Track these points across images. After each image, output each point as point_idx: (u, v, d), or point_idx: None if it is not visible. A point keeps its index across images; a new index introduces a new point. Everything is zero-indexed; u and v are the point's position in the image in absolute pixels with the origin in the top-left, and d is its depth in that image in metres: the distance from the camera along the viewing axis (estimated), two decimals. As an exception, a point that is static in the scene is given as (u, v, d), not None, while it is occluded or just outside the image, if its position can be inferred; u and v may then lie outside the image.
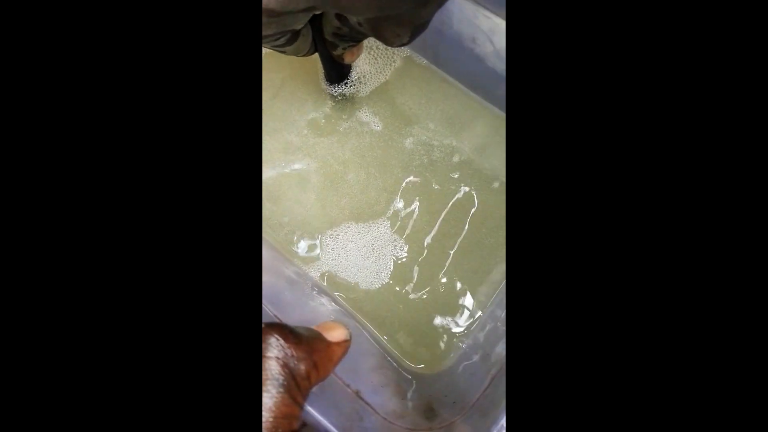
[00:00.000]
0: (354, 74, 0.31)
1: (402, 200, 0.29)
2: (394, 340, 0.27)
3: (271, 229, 0.29)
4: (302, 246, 0.29)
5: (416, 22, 0.20)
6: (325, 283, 0.28)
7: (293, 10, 0.18)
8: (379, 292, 0.28)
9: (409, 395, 0.24)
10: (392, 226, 0.29)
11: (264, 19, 0.18)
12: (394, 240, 0.29)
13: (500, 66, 0.26)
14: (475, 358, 0.25)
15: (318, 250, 0.29)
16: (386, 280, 0.28)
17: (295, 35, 0.22)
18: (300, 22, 0.20)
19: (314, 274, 0.28)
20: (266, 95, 0.32)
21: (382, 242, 0.29)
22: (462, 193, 0.29)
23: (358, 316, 0.28)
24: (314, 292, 0.28)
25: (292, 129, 0.31)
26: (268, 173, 0.30)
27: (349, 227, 0.29)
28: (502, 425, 0.16)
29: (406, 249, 0.29)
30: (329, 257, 0.28)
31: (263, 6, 0.17)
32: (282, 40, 0.21)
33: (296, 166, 0.30)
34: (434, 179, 0.30)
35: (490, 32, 0.24)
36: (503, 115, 0.29)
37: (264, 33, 0.19)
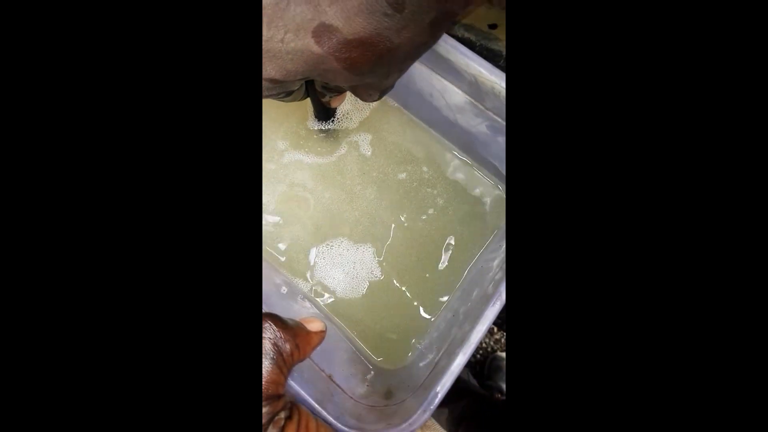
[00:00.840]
0: (339, 112, 0.36)
1: (382, 225, 0.35)
2: (363, 339, 0.32)
3: (266, 243, 0.34)
4: (293, 256, 0.34)
5: (383, 87, 0.26)
6: (309, 291, 0.33)
7: (292, 80, 0.23)
8: (353, 301, 0.33)
9: (372, 382, 0.29)
10: (374, 248, 0.34)
11: (267, 85, 0.23)
12: (372, 262, 0.34)
13: (452, 116, 0.32)
14: (429, 356, 0.31)
15: (308, 262, 0.34)
16: (362, 293, 0.33)
17: (291, 91, 0.28)
18: (297, 85, 0.25)
19: (302, 285, 0.33)
20: (269, 130, 0.37)
21: (363, 263, 0.34)
22: (433, 225, 0.35)
23: (335, 318, 0.33)
24: (299, 297, 0.33)
25: (288, 156, 0.36)
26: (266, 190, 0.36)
27: (341, 242, 0.34)
28: (436, 393, 0.21)
29: (380, 270, 0.34)
30: (318, 269, 0.34)
31: (267, 76, 0.22)
32: (282, 95, 0.27)
33: (287, 186, 0.36)
34: (411, 207, 0.35)
35: (443, 90, 0.30)
36: (459, 152, 0.35)
37: (266, 95, 0.25)
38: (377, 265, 0.34)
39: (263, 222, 0.35)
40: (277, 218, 0.35)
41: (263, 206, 0.35)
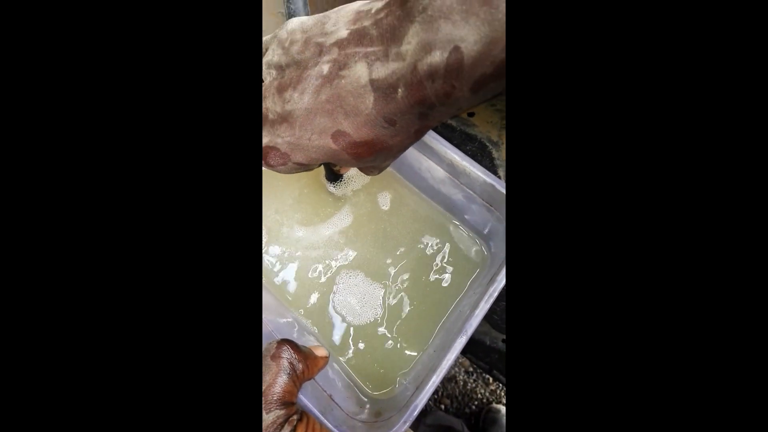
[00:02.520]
0: (345, 176, 0.44)
1: (376, 270, 0.42)
2: (356, 372, 0.38)
3: (270, 280, 0.41)
4: (299, 294, 0.40)
5: (381, 167, 0.33)
6: (315, 329, 0.39)
7: (314, 164, 0.28)
8: (350, 340, 0.39)
9: (364, 405, 0.34)
10: (384, 288, 0.40)
11: (295, 167, 0.27)
12: (369, 305, 0.40)
13: (436, 185, 0.39)
14: (412, 386, 0.36)
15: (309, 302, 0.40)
16: (358, 333, 0.39)
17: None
18: (317, 166, 0.29)
19: (306, 322, 0.39)
20: (292, 190, 0.45)
21: (369, 298, 0.40)
22: (421, 271, 0.41)
23: (333, 353, 0.39)
24: (304, 332, 0.39)
25: (307, 205, 0.44)
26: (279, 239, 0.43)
27: (340, 286, 0.41)
28: (416, 405, 0.27)
29: (374, 314, 0.39)
30: (318, 309, 0.40)
31: (295, 161, 0.26)
32: (301, 170, 0.34)
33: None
34: (403, 253, 0.41)
35: (428, 167, 0.38)
36: (444, 210, 0.42)
37: (293, 171, 0.29)
38: (376, 308, 0.40)
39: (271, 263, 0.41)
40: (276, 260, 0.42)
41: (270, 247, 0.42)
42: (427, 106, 0.22)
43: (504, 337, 0.61)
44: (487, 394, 1.21)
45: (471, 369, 1.27)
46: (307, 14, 0.31)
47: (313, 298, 0.41)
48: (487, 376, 1.20)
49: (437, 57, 0.20)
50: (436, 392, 1.18)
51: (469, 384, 1.25)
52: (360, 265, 0.42)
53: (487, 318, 0.59)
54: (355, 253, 0.42)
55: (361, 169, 0.33)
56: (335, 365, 0.38)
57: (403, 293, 0.40)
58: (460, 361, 1.23)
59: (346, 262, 0.42)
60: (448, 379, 1.21)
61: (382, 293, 0.40)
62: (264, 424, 0.24)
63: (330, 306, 0.40)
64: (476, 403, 1.18)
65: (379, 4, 0.23)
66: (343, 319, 0.40)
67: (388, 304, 0.40)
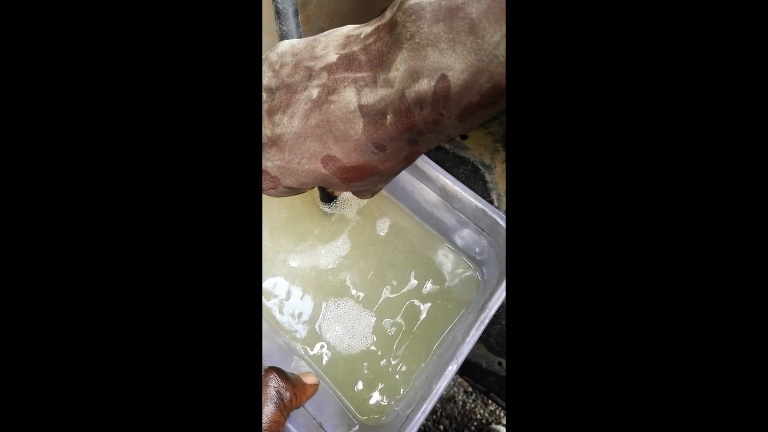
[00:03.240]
0: (339, 199, 0.44)
1: (371, 295, 0.41)
2: (348, 399, 0.37)
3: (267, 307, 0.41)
4: (290, 320, 0.40)
5: (373, 191, 0.33)
6: (306, 354, 0.39)
7: (304, 189, 0.28)
8: (342, 365, 0.38)
9: (356, 430, 0.34)
10: (366, 317, 0.40)
11: (285, 190, 0.28)
12: (361, 331, 0.39)
13: (429, 208, 0.39)
14: (405, 413, 0.36)
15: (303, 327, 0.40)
16: (351, 358, 0.38)
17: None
18: (308, 190, 0.30)
19: (297, 346, 0.39)
20: (283, 214, 0.45)
21: (354, 331, 0.39)
22: (413, 296, 0.41)
23: (326, 378, 0.38)
24: (295, 357, 0.38)
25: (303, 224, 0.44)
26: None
27: (334, 309, 0.40)
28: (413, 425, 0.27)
29: (367, 340, 0.39)
30: (312, 334, 0.40)
31: (285, 185, 0.27)
32: (292, 193, 0.34)
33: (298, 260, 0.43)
34: (396, 277, 0.41)
35: (421, 190, 0.38)
36: (437, 233, 0.42)
37: (283, 195, 0.30)
38: (367, 334, 0.39)
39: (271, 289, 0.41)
40: (279, 283, 0.41)
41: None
42: (416, 132, 0.22)
43: (500, 360, 0.60)
44: (487, 414, 1.19)
45: (470, 389, 1.25)
46: (300, 36, 0.31)
47: (304, 323, 0.40)
48: (485, 397, 1.18)
49: (425, 85, 0.20)
50: (434, 413, 1.16)
51: (468, 404, 1.23)
52: (351, 290, 0.41)
53: (483, 341, 0.58)
54: (348, 277, 0.42)
55: (354, 193, 0.33)
56: (327, 389, 0.37)
57: (394, 319, 0.40)
58: (459, 381, 1.21)
59: (338, 287, 0.41)
60: (447, 399, 1.19)
61: (373, 320, 0.40)
62: None
63: (321, 332, 0.40)
64: (475, 423, 1.16)
65: (368, 29, 0.23)
66: (334, 346, 0.39)
67: (380, 329, 0.40)
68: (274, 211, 0.44)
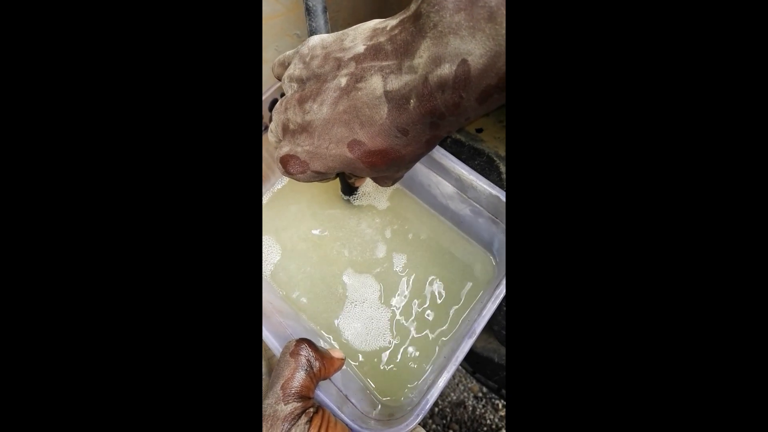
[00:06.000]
0: (360, 191, 0.46)
1: (392, 283, 0.43)
2: (371, 379, 0.39)
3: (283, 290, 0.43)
4: (316, 307, 0.42)
5: (394, 178, 0.35)
6: (330, 339, 0.41)
7: (331, 173, 0.30)
8: (365, 351, 0.40)
9: (377, 407, 0.36)
10: (387, 309, 0.42)
11: (313, 175, 0.29)
12: (384, 320, 0.41)
13: (444, 201, 0.42)
14: (421, 394, 0.37)
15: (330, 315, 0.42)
16: (373, 347, 0.40)
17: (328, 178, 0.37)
18: (333, 176, 0.31)
19: (320, 330, 0.41)
20: (304, 197, 0.47)
21: (377, 321, 0.41)
22: (433, 284, 0.42)
23: (350, 360, 0.40)
24: (320, 340, 0.40)
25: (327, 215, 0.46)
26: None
27: (356, 305, 0.42)
28: (428, 399, 0.29)
29: (389, 331, 0.41)
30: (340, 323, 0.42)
31: (313, 169, 0.28)
32: (321, 180, 0.36)
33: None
34: (418, 267, 0.43)
35: (437, 183, 0.40)
36: (452, 225, 0.45)
37: (311, 180, 0.31)
38: (385, 325, 0.41)
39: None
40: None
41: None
42: (438, 116, 0.24)
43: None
44: (497, 420, 1.19)
45: (480, 394, 1.25)
46: (328, 32, 0.34)
47: (326, 314, 0.42)
48: (497, 401, 1.18)
49: (446, 69, 0.22)
50: (444, 417, 1.16)
51: (479, 409, 1.23)
52: (370, 282, 0.43)
53: (496, 334, 0.60)
54: (366, 272, 0.44)
55: (375, 180, 0.35)
56: (349, 371, 0.39)
57: (412, 308, 0.42)
58: (469, 386, 1.21)
59: (357, 280, 0.43)
60: (457, 404, 1.19)
61: (389, 314, 0.42)
62: (281, 415, 0.26)
63: (340, 325, 0.42)
64: (485, 429, 1.16)
65: (394, 22, 0.26)
66: (352, 340, 0.41)
67: (398, 321, 0.41)
68: (296, 202, 0.47)
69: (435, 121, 0.25)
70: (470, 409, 1.21)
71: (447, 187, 0.40)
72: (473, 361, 0.70)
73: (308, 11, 0.32)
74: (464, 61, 0.21)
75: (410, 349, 0.40)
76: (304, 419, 0.26)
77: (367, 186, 0.46)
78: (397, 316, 0.41)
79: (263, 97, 0.38)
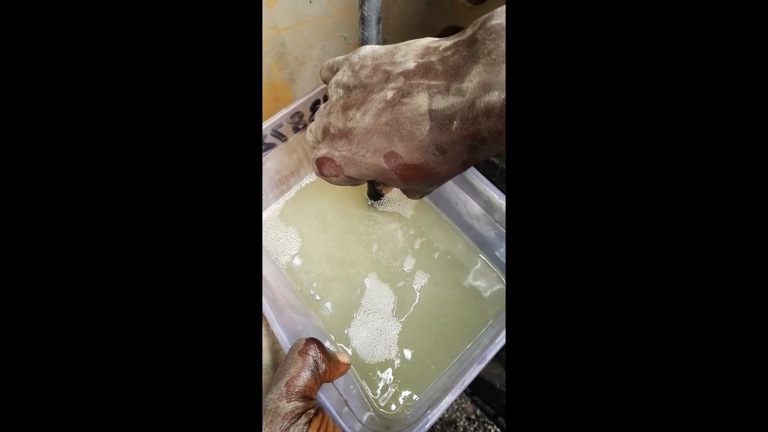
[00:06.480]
0: (386, 198, 0.47)
1: (406, 296, 0.43)
2: (371, 388, 0.39)
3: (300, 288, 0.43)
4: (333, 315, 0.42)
5: (424, 192, 0.35)
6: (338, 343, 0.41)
7: (363, 179, 0.31)
8: (370, 360, 0.40)
9: (375, 418, 0.36)
10: (396, 319, 0.42)
11: (346, 180, 0.30)
12: (391, 331, 0.41)
13: (469, 221, 0.41)
14: (423, 408, 0.37)
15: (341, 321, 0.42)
16: (378, 358, 0.40)
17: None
18: (364, 182, 0.32)
19: (329, 334, 0.41)
20: (334, 200, 0.48)
21: (384, 332, 0.41)
22: (445, 302, 0.42)
23: (354, 370, 0.40)
24: (328, 341, 0.41)
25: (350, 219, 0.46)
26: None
27: (367, 314, 0.42)
28: (428, 420, 0.28)
29: (396, 341, 0.41)
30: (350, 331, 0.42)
31: (347, 174, 0.29)
32: (350, 183, 0.37)
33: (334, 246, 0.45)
34: (431, 282, 0.43)
35: (465, 202, 0.40)
36: (474, 245, 0.44)
37: (343, 184, 0.31)
38: (395, 335, 0.41)
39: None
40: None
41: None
42: (479, 140, 0.24)
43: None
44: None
45: (473, 416, 1.24)
46: (379, 43, 0.34)
47: (337, 317, 0.42)
48: (490, 427, 1.16)
49: (495, 96, 0.22)
50: (433, 436, 1.15)
51: (470, 431, 1.22)
52: (383, 295, 0.43)
53: (502, 360, 0.59)
54: (378, 279, 0.44)
55: (404, 192, 0.35)
56: (352, 377, 0.39)
57: (422, 325, 0.42)
58: (463, 406, 1.20)
59: (376, 287, 0.43)
60: (448, 423, 1.18)
61: (399, 328, 0.42)
62: (282, 412, 0.26)
63: (349, 332, 0.42)
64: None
65: (448, 43, 0.26)
66: (359, 347, 0.41)
67: (407, 333, 0.41)
68: (320, 205, 0.47)
69: (475, 145, 0.25)
70: (461, 429, 1.20)
71: (474, 207, 0.40)
72: (474, 384, 0.69)
73: (362, 20, 0.33)
74: None
75: (415, 365, 0.40)
76: (303, 419, 0.26)
77: (393, 193, 0.46)
78: (407, 331, 0.41)
79: (308, 96, 0.39)
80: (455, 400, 1.05)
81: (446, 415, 1.13)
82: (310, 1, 0.52)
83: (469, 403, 1.07)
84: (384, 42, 0.29)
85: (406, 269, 0.44)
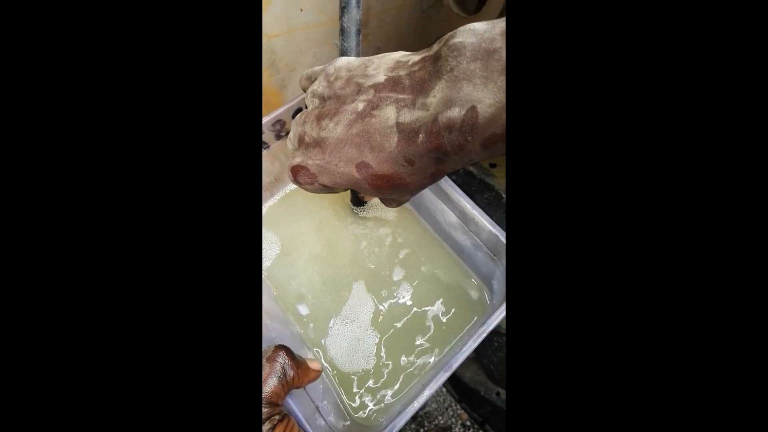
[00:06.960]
0: (368, 204, 0.47)
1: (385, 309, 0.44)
2: (347, 395, 0.40)
3: (280, 294, 0.44)
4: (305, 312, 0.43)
5: (399, 201, 0.36)
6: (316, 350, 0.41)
7: (337, 188, 0.31)
8: (347, 367, 0.41)
9: (349, 427, 0.36)
10: (373, 328, 0.42)
11: (320, 188, 0.30)
12: (368, 339, 0.42)
13: (447, 229, 0.42)
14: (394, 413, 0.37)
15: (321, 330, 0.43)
16: (354, 365, 0.41)
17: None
18: (341, 190, 0.32)
19: (306, 339, 0.42)
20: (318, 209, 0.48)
21: (361, 341, 0.42)
22: (422, 309, 0.43)
23: (329, 370, 0.41)
24: (304, 348, 0.41)
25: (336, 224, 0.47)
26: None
27: (343, 322, 0.43)
28: (395, 425, 0.29)
29: (373, 349, 0.41)
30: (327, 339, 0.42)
31: (321, 182, 0.29)
32: (325, 191, 0.37)
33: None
34: (408, 287, 0.44)
35: (442, 210, 0.40)
36: (453, 253, 0.44)
37: (319, 192, 0.32)
38: (371, 346, 0.41)
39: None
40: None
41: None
42: (443, 153, 0.25)
43: (498, 390, 0.61)
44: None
45: (468, 423, 1.24)
46: (359, 54, 0.35)
47: (315, 324, 0.43)
48: (483, 432, 1.16)
49: (456, 113, 0.23)
50: (428, 441, 1.15)
51: (464, 438, 1.22)
52: (360, 302, 0.43)
53: (485, 368, 0.59)
54: (358, 289, 0.44)
55: (381, 200, 0.36)
56: (327, 382, 0.40)
57: (398, 333, 0.42)
58: (458, 412, 1.20)
59: (352, 298, 0.44)
60: (444, 429, 1.18)
61: (377, 339, 0.42)
62: None
63: (326, 341, 0.42)
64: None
65: (416, 58, 0.26)
66: (335, 355, 0.41)
67: (383, 341, 0.42)
68: (305, 211, 0.48)
69: (440, 157, 0.25)
70: (456, 436, 1.20)
71: (451, 216, 0.40)
72: (461, 390, 0.69)
73: (342, 31, 0.33)
74: (473, 108, 0.22)
75: (389, 374, 0.40)
76: (268, 425, 0.27)
77: (376, 199, 0.47)
78: (383, 341, 0.42)
79: (289, 105, 0.40)
80: (450, 406, 1.05)
81: (442, 421, 1.13)
82: (301, 9, 0.53)
83: (462, 409, 1.07)
84: (377, 50, 0.30)
85: (394, 278, 0.44)
